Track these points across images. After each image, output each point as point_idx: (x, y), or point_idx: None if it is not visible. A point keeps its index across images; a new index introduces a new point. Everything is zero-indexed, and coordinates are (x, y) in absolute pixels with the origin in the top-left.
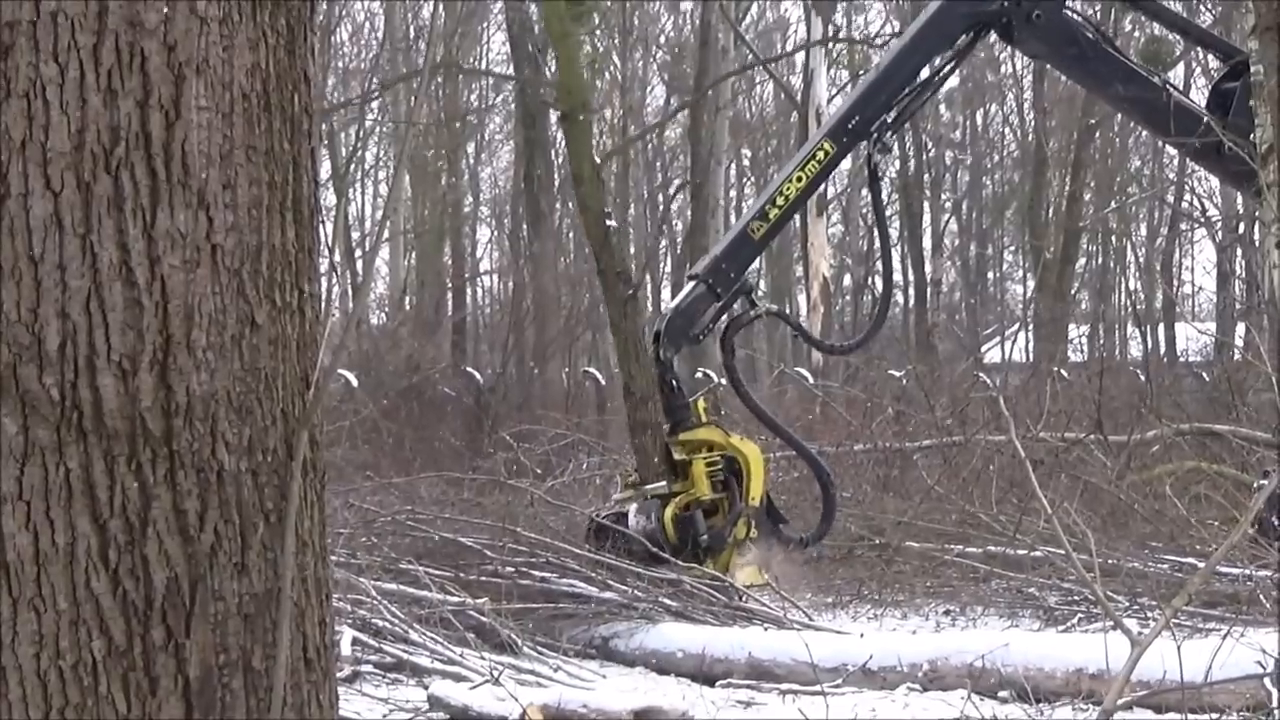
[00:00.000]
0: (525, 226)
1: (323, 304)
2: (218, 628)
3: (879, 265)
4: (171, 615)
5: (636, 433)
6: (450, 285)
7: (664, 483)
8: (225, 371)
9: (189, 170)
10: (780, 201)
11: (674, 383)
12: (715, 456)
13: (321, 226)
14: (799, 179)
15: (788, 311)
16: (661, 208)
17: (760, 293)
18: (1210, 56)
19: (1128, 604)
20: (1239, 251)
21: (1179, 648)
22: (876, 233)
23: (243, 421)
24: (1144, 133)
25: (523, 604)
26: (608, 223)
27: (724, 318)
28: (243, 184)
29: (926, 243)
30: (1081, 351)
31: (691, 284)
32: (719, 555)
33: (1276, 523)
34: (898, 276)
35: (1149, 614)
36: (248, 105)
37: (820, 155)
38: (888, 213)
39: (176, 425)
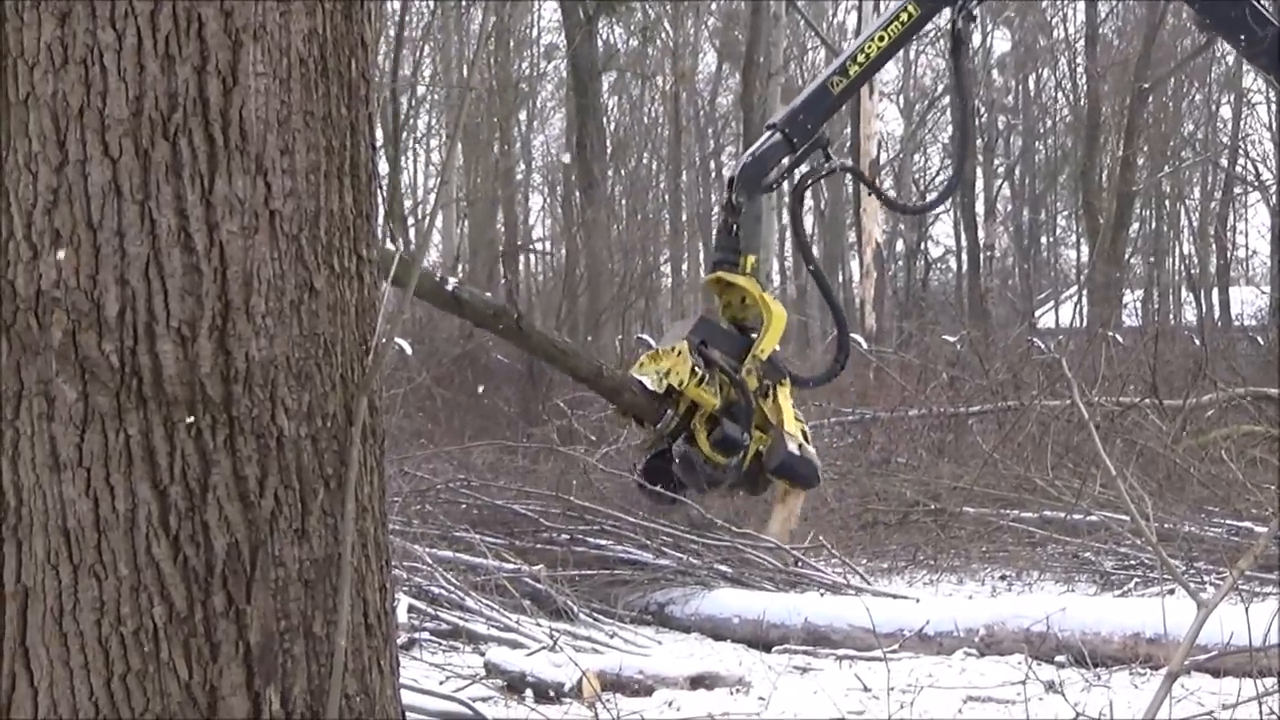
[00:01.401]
0: (577, 194)
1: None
2: (278, 593)
3: (952, 135)
4: (232, 581)
5: None
6: (503, 252)
7: (670, 421)
8: (284, 337)
9: (247, 136)
10: (861, 60)
11: (735, 228)
12: (691, 365)
13: (379, 193)
14: (881, 39)
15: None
16: (714, 174)
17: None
18: None
19: (1184, 568)
20: None
21: (1246, 610)
22: (958, 100)
23: (302, 387)
24: (1197, 96)
25: (578, 570)
26: None
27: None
28: (300, 150)
29: (979, 208)
30: (1136, 316)
31: (768, 133)
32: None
33: None
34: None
35: (1205, 578)
36: (305, 71)
37: (904, 17)
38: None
39: (236, 391)
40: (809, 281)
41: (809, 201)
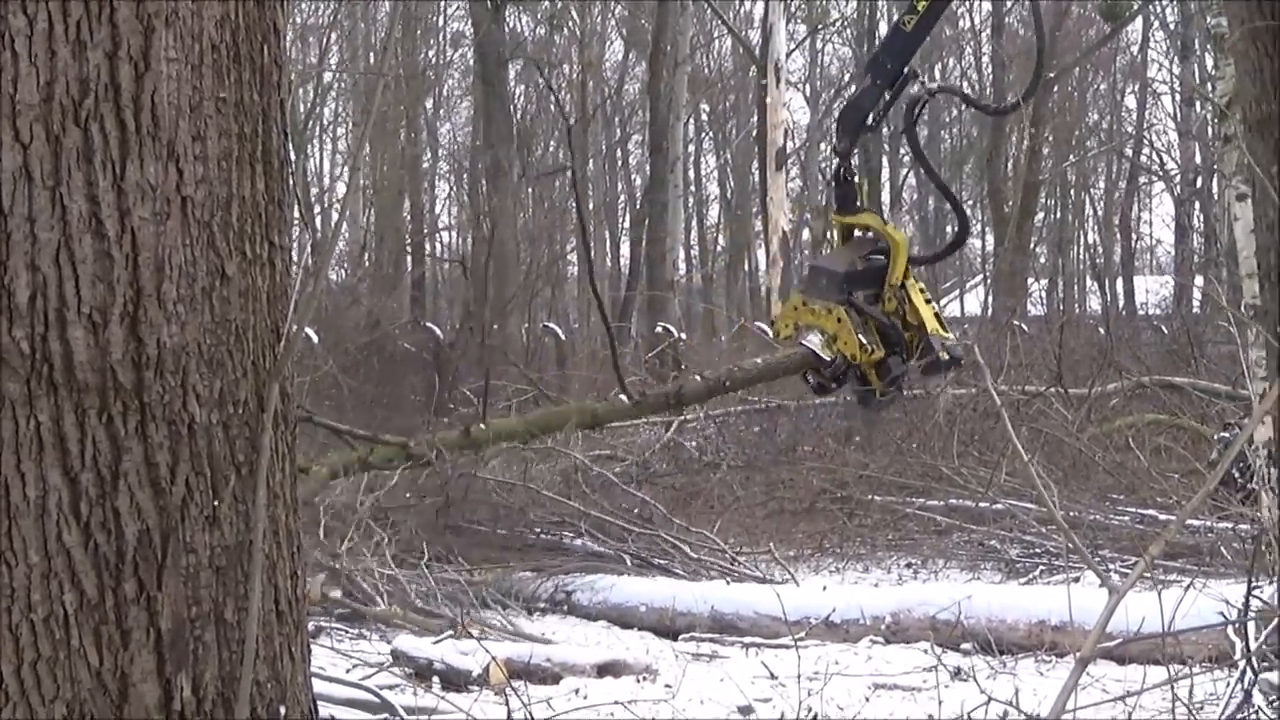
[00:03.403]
0: (484, 182)
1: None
2: (189, 580)
3: None
4: (143, 568)
5: None
6: (409, 241)
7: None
8: (196, 324)
9: (159, 122)
10: None
11: (844, 172)
12: (859, 339)
13: (290, 179)
14: None
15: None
16: (620, 163)
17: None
18: (1168, 10)
19: (1090, 557)
20: (1197, 205)
21: (1160, 595)
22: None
23: (214, 374)
24: (1102, 85)
25: (487, 556)
26: None
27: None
28: (212, 136)
29: (885, 197)
30: (1040, 305)
31: (862, 78)
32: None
33: (1237, 475)
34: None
35: (1111, 566)
36: (217, 57)
37: None
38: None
39: (147, 378)
40: (717, 270)
41: (714, 189)
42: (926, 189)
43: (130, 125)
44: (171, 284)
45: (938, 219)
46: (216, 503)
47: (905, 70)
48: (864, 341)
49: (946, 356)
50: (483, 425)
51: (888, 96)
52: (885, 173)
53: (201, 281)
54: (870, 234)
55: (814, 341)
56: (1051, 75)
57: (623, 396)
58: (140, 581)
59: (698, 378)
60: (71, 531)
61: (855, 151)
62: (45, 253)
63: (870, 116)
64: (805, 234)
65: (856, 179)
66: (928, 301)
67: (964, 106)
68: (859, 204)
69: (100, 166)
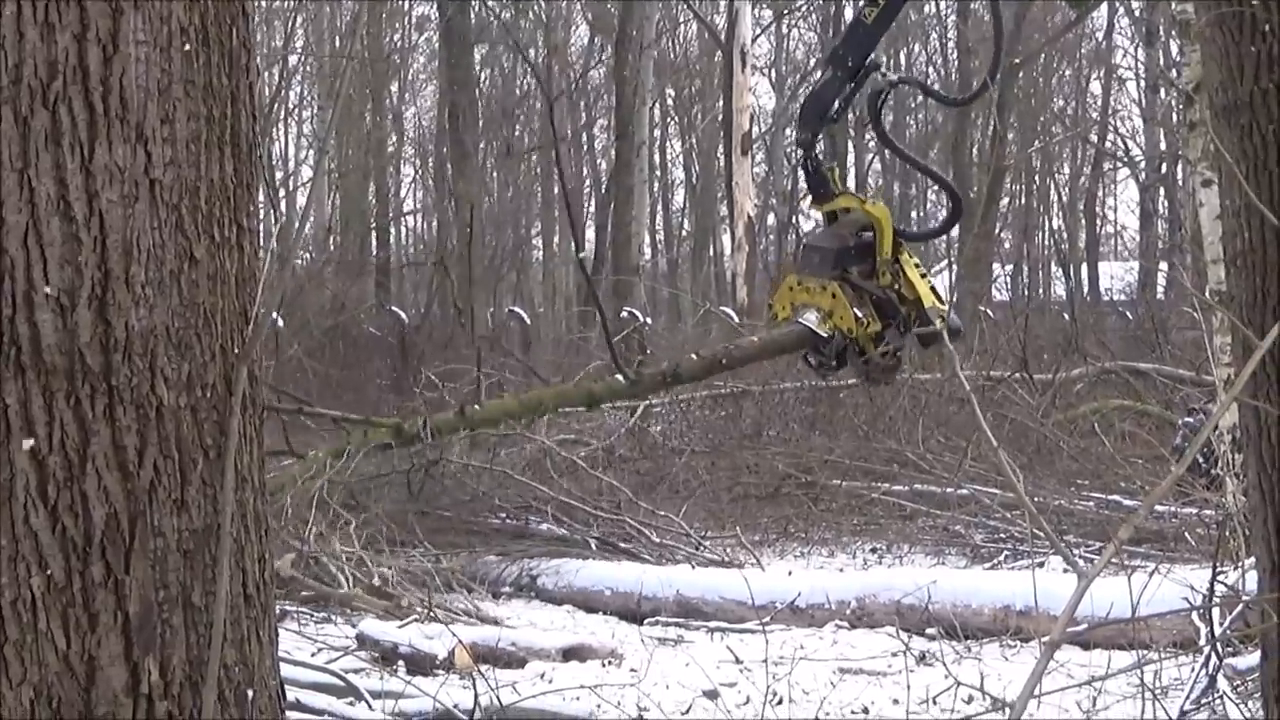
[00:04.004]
0: (449, 166)
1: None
2: (157, 564)
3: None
4: (111, 551)
5: None
6: (374, 225)
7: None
8: (164, 307)
9: (127, 105)
10: None
11: (808, 163)
12: (854, 312)
13: (259, 162)
14: None
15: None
16: (585, 147)
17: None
18: None
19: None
20: (1162, 191)
21: (1129, 579)
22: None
23: (182, 357)
24: (1068, 71)
25: (452, 541)
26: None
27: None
28: (181, 119)
29: (851, 182)
30: (1005, 290)
31: (823, 70)
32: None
33: (1201, 461)
34: None
35: (1075, 551)
36: (186, 39)
37: None
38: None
39: (115, 361)
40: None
41: (680, 174)
42: (892, 174)
43: (99, 108)
44: (140, 267)
45: (903, 204)
46: (184, 486)
47: (866, 62)
48: (860, 315)
49: (945, 327)
50: (478, 405)
51: (849, 88)
52: (850, 158)
53: (170, 264)
54: (850, 216)
55: (810, 319)
56: (1017, 61)
57: (619, 376)
58: (108, 565)
59: (694, 356)
60: (39, 514)
61: (819, 142)
62: (13, 235)
63: (832, 108)
64: (770, 219)
65: (825, 166)
66: (923, 276)
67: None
68: (834, 189)
69: (68, 149)
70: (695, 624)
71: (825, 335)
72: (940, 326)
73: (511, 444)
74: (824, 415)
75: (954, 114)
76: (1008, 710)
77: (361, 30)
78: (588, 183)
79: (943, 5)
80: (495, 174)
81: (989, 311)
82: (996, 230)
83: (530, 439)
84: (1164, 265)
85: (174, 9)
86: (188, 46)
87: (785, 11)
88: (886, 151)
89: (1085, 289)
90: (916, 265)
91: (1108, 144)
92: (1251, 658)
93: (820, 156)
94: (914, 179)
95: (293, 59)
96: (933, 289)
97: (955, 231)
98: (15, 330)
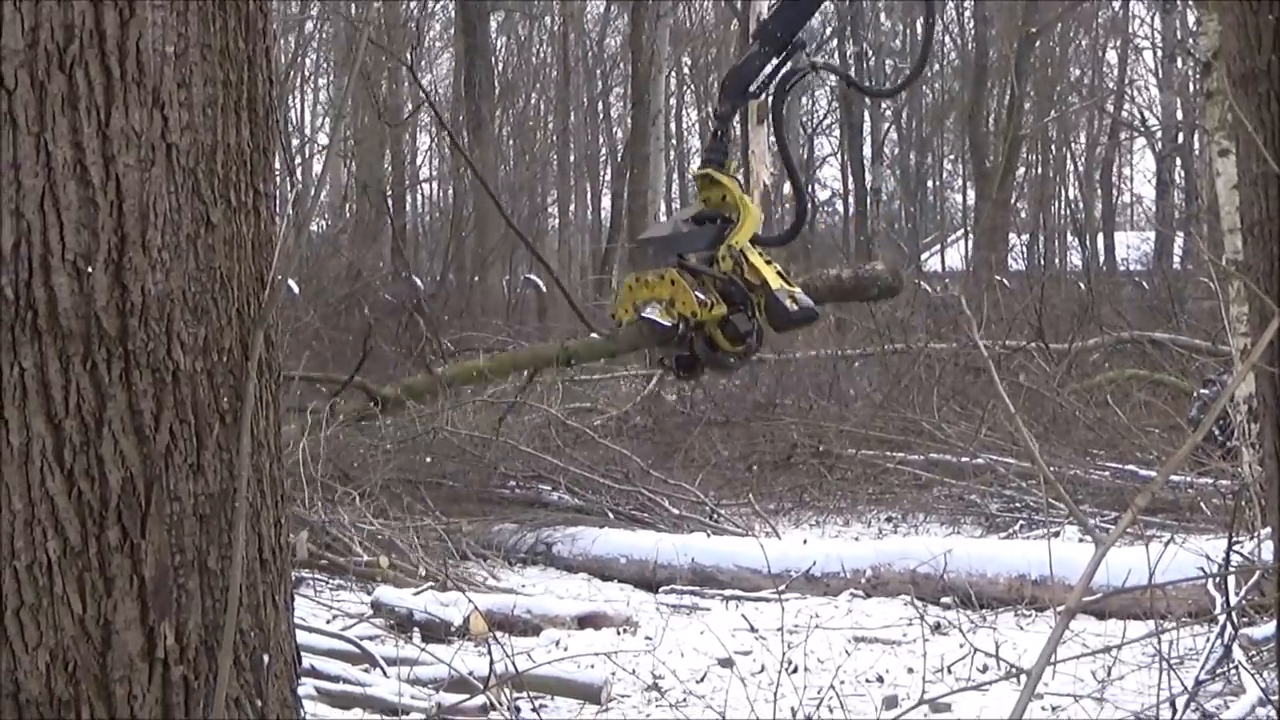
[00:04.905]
0: (466, 133)
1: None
2: (173, 528)
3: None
4: (127, 515)
5: None
6: (390, 193)
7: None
8: (180, 271)
9: (144, 69)
10: None
11: (720, 134)
12: (695, 296)
13: (276, 128)
14: None
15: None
16: (601, 116)
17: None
18: None
19: (1068, 512)
20: (1178, 160)
21: (1148, 549)
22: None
23: (198, 321)
24: (1084, 41)
25: (465, 510)
26: None
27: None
28: (198, 83)
29: (866, 151)
30: (1021, 260)
31: (751, 44)
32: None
33: (1217, 431)
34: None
35: (1091, 521)
36: (203, 3)
37: None
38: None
39: (132, 325)
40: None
41: (695, 142)
42: (908, 143)
43: (115, 71)
44: (156, 231)
45: (918, 171)
46: (200, 451)
47: (794, 40)
48: (702, 298)
49: (796, 308)
50: (443, 366)
51: (775, 64)
52: (866, 127)
53: (186, 229)
54: (724, 200)
55: (652, 312)
56: (1034, 30)
57: (594, 335)
58: (124, 529)
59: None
60: (55, 479)
61: (733, 117)
62: (30, 199)
63: (754, 83)
64: (786, 187)
65: (729, 144)
66: (768, 262)
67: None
68: (724, 169)
69: (85, 113)
70: (710, 592)
71: (669, 324)
72: (790, 306)
73: (521, 412)
74: (838, 384)
75: (970, 83)
76: (1023, 679)
77: None
78: (604, 151)
79: None
80: (511, 142)
81: (1005, 281)
82: (1013, 200)
83: (539, 409)
84: (1180, 235)
85: None
86: (204, 10)
87: None
88: (903, 121)
89: (1101, 259)
90: (762, 253)
91: (1124, 113)
92: (1267, 627)
93: (723, 134)
94: (929, 149)
95: (309, 25)
96: (780, 273)
97: (971, 201)
98: (32, 294)
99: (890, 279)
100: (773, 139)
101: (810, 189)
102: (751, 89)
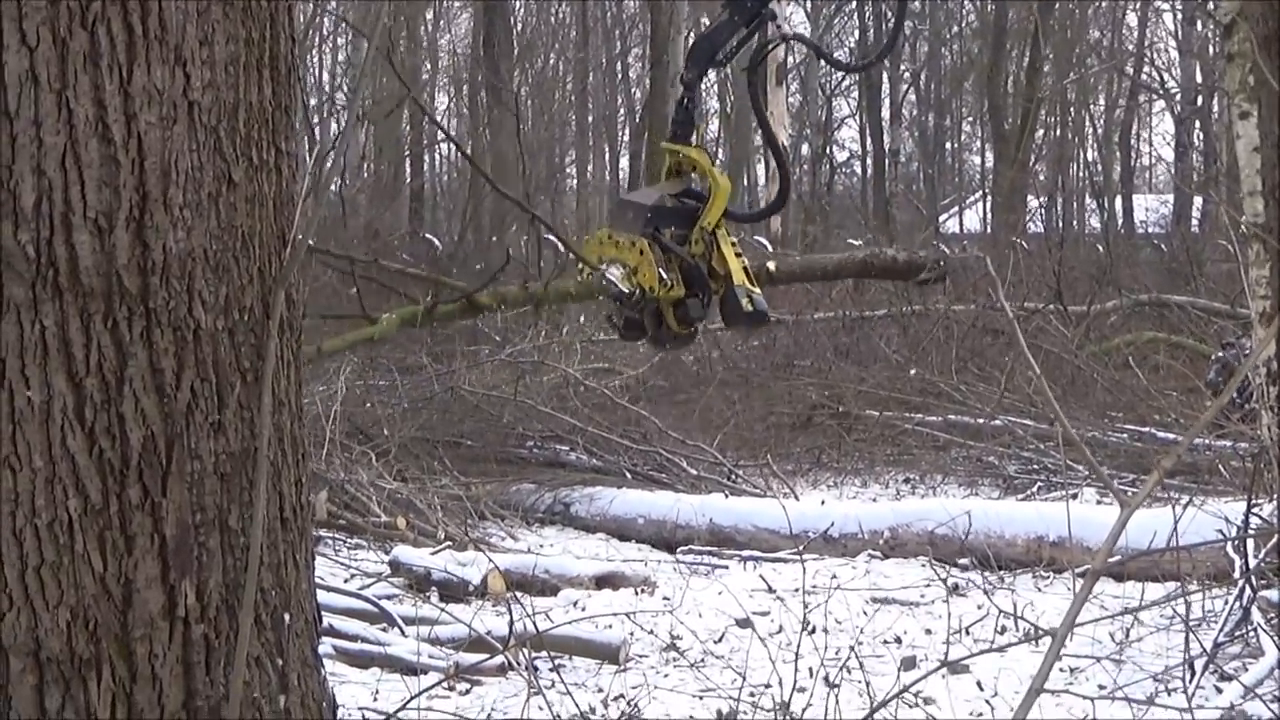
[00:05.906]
0: (484, 93)
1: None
2: (194, 487)
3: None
4: (148, 474)
5: None
6: (408, 153)
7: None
8: (202, 229)
9: (166, 26)
10: None
11: (687, 103)
12: (659, 272)
13: (297, 86)
14: None
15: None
16: (620, 76)
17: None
18: None
19: (1089, 473)
20: (1197, 123)
21: (1174, 510)
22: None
23: (219, 280)
24: (1103, 3)
25: (483, 470)
26: None
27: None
28: (220, 40)
29: (885, 113)
30: (1040, 222)
31: (721, 13)
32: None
33: (1235, 394)
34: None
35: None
36: None
37: None
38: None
39: (153, 283)
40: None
41: (714, 103)
42: (927, 105)
43: (137, 28)
44: (178, 189)
45: (937, 134)
46: (221, 409)
47: (764, 10)
48: (664, 276)
49: (751, 309)
50: (543, 286)
51: (744, 33)
52: (885, 88)
53: (208, 187)
54: (694, 173)
55: (614, 274)
56: None
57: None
58: (145, 487)
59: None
60: (76, 437)
61: (700, 84)
62: (51, 157)
63: (722, 51)
64: (805, 149)
65: (697, 112)
66: (738, 255)
67: (964, 23)
68: (693, 140)
69: (107, 70)
70: (728, 553)
71: (626, 291)
72: (746, 306)
73: (538, 372)
74: (856, 345)
75: (989, 45)
76: (1043, 641)
77: None
78: (622, 112)
79: None
80: (530, 102)
81: (1023, 243)
82: (1031, 162)
83: (555, 369)
84: (1199, 198)
85: None
86: None
87: None
88: (922, 83)
89: (1120, 221)
90: (733, 244)
91: (1143, 76)
92: None
93: (690, 103)
94: (948, 111)
95: None
96: (746, 270)
97: (990, 163)
98: (53, 252)
99: (940, 268)
100: (770, 110)
101: (828, 149)
102: (719, 57)
